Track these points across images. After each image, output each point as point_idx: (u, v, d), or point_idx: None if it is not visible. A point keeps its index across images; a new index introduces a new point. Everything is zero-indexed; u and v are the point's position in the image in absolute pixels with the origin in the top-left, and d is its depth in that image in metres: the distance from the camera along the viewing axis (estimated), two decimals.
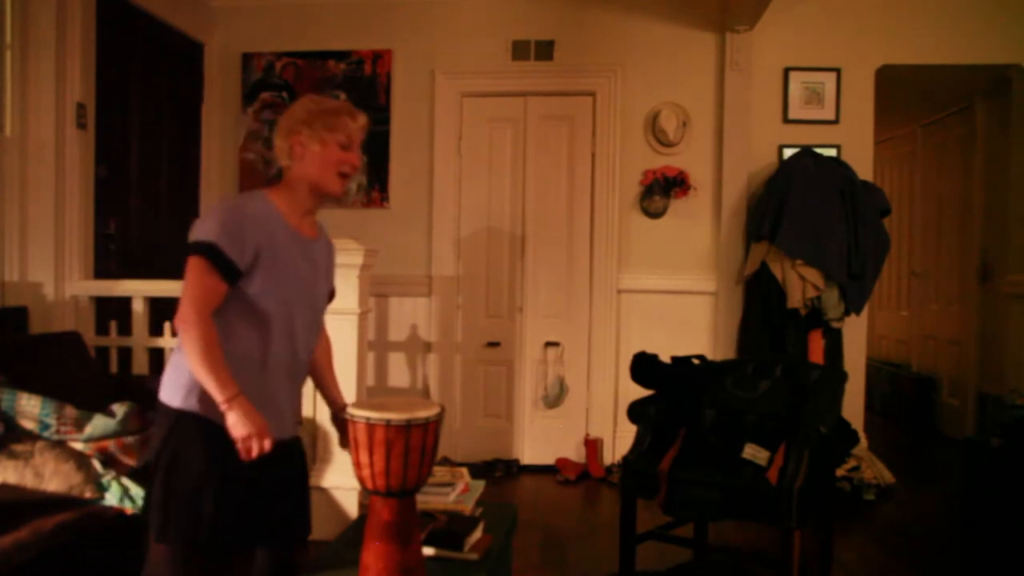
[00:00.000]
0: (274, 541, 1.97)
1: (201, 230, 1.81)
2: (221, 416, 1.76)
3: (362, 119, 1.96)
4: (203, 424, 1.81)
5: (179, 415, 1.84)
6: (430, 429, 1.83)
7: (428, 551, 2.05)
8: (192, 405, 1.83)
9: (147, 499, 1.88)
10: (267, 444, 1.77)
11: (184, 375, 1.83)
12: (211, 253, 1.78)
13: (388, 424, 1.77)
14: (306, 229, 1.97)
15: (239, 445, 1.76)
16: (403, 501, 1.83)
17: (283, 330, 1.89)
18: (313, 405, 3.61)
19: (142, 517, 1.93)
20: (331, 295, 2.17)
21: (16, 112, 3.54)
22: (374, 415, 1.79)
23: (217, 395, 1.75)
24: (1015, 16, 4.54)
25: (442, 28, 4.88)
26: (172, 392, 1.86)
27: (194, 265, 1.79)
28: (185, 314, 1.77)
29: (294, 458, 2.04)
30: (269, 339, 1.87)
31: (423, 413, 1.82)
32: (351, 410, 1.84)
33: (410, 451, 1.79)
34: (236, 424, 1.75)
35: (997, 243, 5.05)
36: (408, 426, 1.78)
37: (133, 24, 4.23)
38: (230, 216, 1.82)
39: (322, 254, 2.04)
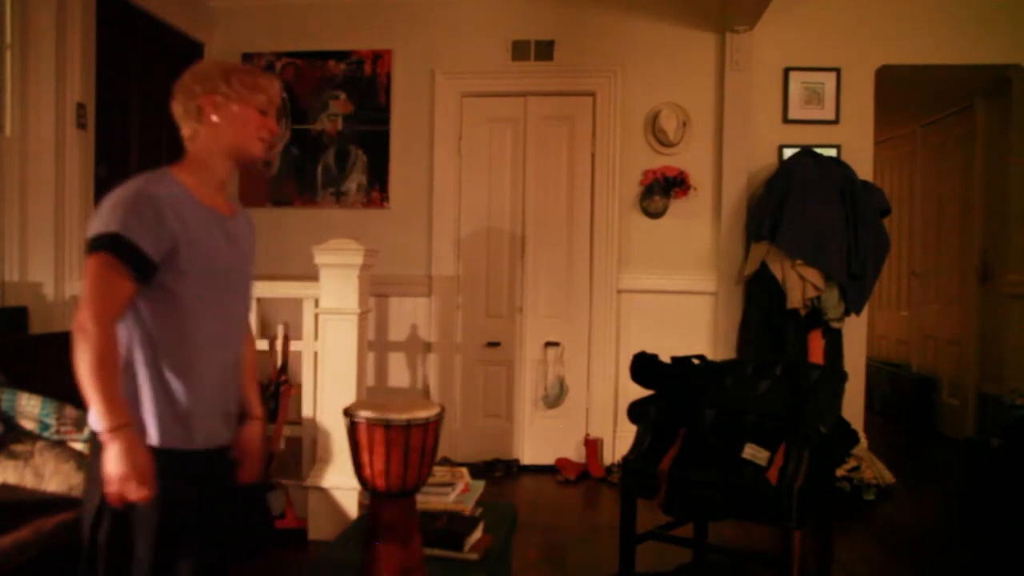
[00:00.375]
0: (232, 553, 1.79)
1: (100, 222, 1.53)
2: (171, 440, 1.58)
3: (278, 84, 1.78)
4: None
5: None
6: (430, 429, 1.83)
7: (427, 551, 2.05)
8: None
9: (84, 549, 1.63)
10: (144, 493, 1.51)
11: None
12: (116, 246, 1.51)
13: (388, 424, 1.77)
14: (222, 206, 1.75)
15: (111, 487, 1.50)
16: (403, 501, 1.83)
17: (214, 324, 1.67)
18: (313, 405, 3.61)
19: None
20: None
21: (16, 112, 3.54)
22: (374, 415, 1.79)
23: (102, 421, 1.50)
24: (1015, 16, 4.54)
25: (442, 28, 4.88)
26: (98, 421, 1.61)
27: (96, 263, 1.51)
28: (83, 321, 1.50)
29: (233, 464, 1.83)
30: (200, 337, 1.63)
31: (423, 413, 1.82)
32: (352, 410, 1.84)
33: (410, 451, 1.79)
34: (115, 460, 1.49)
35: (997, 243, 5.05)
36: (408, 426, 1.78)
37: (133, 24, 4.23)
38: (133, 200, 1.55)
39: (243, 232, 1.81)
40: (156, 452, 1.57)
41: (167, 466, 1.57)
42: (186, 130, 1.71)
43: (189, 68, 1.75)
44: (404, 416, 1.78)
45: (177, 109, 1.72)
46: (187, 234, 1.60)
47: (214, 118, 1.68)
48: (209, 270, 1.65)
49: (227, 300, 1.72)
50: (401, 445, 1.78)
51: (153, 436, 1.60)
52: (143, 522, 1.57)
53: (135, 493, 1.51)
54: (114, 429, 1.50)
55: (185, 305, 1.61)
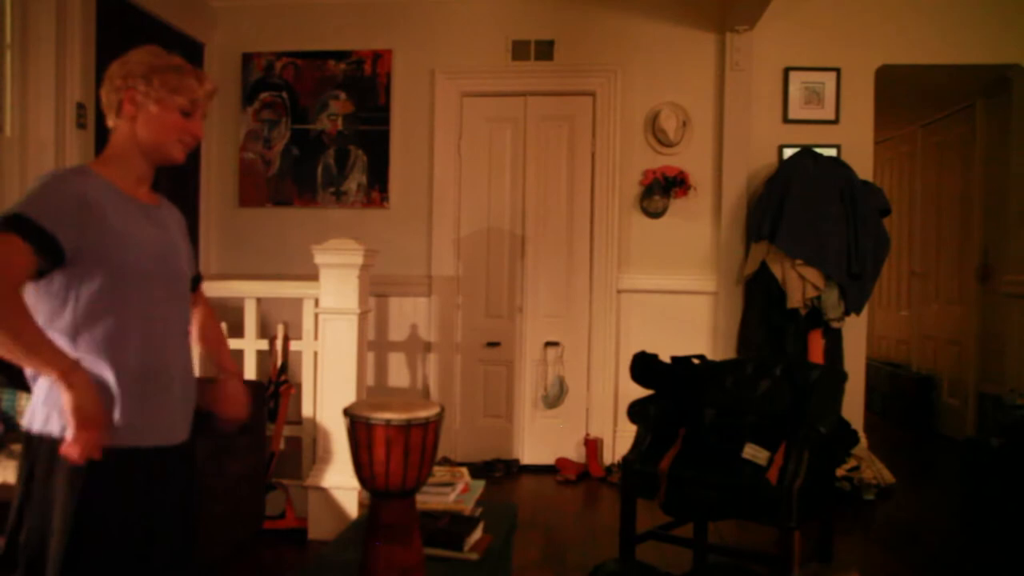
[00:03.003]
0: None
1: (12, 206, 1.49)
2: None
3: (209, 85, 1.68)
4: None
5: (35, 440, 1.53)
6: (430, 429, 1.83)
7: (428, 551, 2.05)
8: (46, 426, 1.51)
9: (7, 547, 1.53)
10: (97, 453, 1.43)
11: (39, 393, 1.54)
12: (21, 226, 1.43)
13: (388, 424, 1.77)
14: (144, 196, 1.69)
15: (71, 433, 1.41)
16: (403, 501, 1.83)
17: (150, 314, 1.59)
18: (313, 405, 3.61)
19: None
20: (196, 280, 1.88)
21: (16, 112, 3.54)
22: (374, 415, 1.79)
23: (51, 371, 1.42)
24: (1015, 16, 4.54)
25: (442, 28, 4.88)
26: (30, 416, 1.56)
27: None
28: None
29: (185, 468, 1.69)
30: (135, 330, 1.56)
31: (423, 413, 1.82)
32: (352, 410, 1.84)
33: (410, 451, 1.79)
34: (78, 404, 1.41)
35: (997, 243, 5.05)
36: (408, 426, 1.78)
37: (133, 24, 4.23)
38: (49, 187, 1.51)
39: (172, 220, 1.76)
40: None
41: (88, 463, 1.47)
42: (109, 121, 1.66)
43: (119, 57, 1.65)
44: (404, 416, 1.78)
45: (102, 98, 1.66)
46: (107, 221, 1.53)
47: (131, 115, 1.62)
48: (139, 258, 1.57)
49: (160, 286, 1.63)
50: (401, 445, 1.78)
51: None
52: (61, 514, 1.48)
53: (91, 447, 1.42)
54: (67, 371, 1.42)
55: (118, 293, 1.54)
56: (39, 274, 1.49)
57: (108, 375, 1.53)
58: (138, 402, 1.56)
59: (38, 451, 1.52)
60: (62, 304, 1.52)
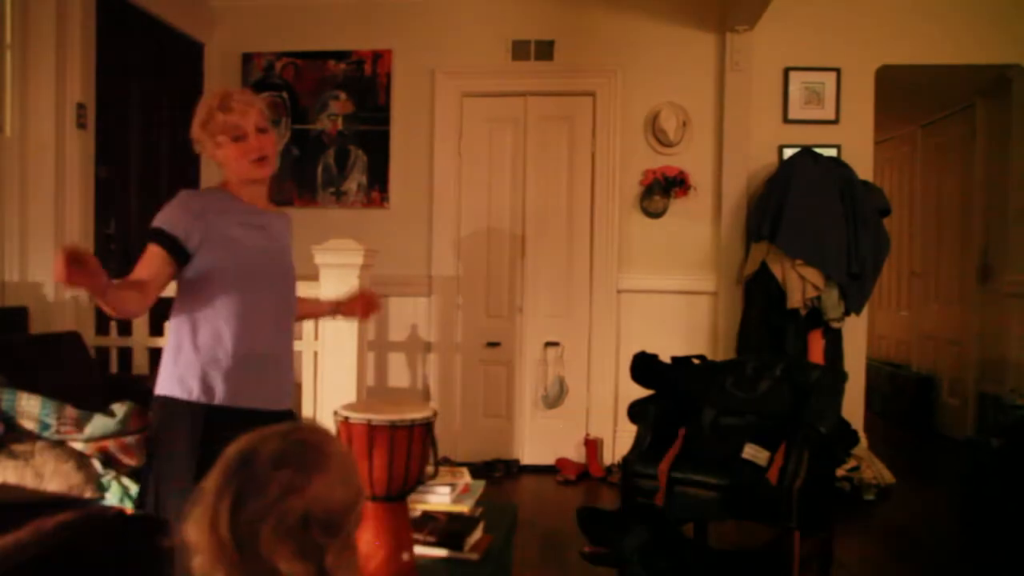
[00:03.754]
0: None
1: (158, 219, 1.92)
2: (203, 396, 1.87)
3: (257, 104, 1.99)
4: (182, 406, 1.88)
5: (161, 401, 1.92)
6: (416, 432, 1.77)
7: (427, 551, 2.05)
8: (171, 390, 1.90)
9: (142, 489, 1.95)
10: (59, 263, 1.54)
11: (167, 366, 1.93)
12: (159, 238, 1.88)
13: (370, 424, 1.73)
14: (263, 205, 2.07)
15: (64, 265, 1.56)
16: (391, 505, 1.79)
17: (253, 304, 1.95)
18: (313, 405, 3.61)
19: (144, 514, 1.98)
20: None
21: (16, 112, 3.55)
22: (355, 415, 1.75)
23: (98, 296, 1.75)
24: (1015, 16, 4.54)
25: (442, 28, 4.88)
26: (159, 383, 1.95)
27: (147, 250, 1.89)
28: None
29: None
30: (236, 316, 1.92)
31: (409, 415, 1.76)
32: (339, 410, 1.82)
33: (395, 454, 1.73)
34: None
35: (997, 243, 5.05)
36: (392, 428, 1.73)
37: (133, 24, 4.23)
38: (181, 201, 1.94)
39: (281, 225, 2.12)
40: (189, 404, 1.88)
41: (194, 415, 1.86)
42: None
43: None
44: (387, 417, 1.73)
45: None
46: (218, 228, 1.91)
47: (214, 158, 1.98)
48: (242, 257, 1.93)
49: (266, 282, 1.99)
50: (385, 447, 1.72)
51: (193, 389, 1.89)
52: (181, 460, 1.84)
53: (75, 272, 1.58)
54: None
55: (218, 280, 1.91)
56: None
57: (219, 350, 1.89)
58: (242, 373, 1.91)
59: (159, 408, 1.92)
60: (189, 291, 1.93)
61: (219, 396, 1.90)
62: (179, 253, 1.88)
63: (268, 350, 1.99)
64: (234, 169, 1.97)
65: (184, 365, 1.90)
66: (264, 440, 1.02)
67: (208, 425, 1.84)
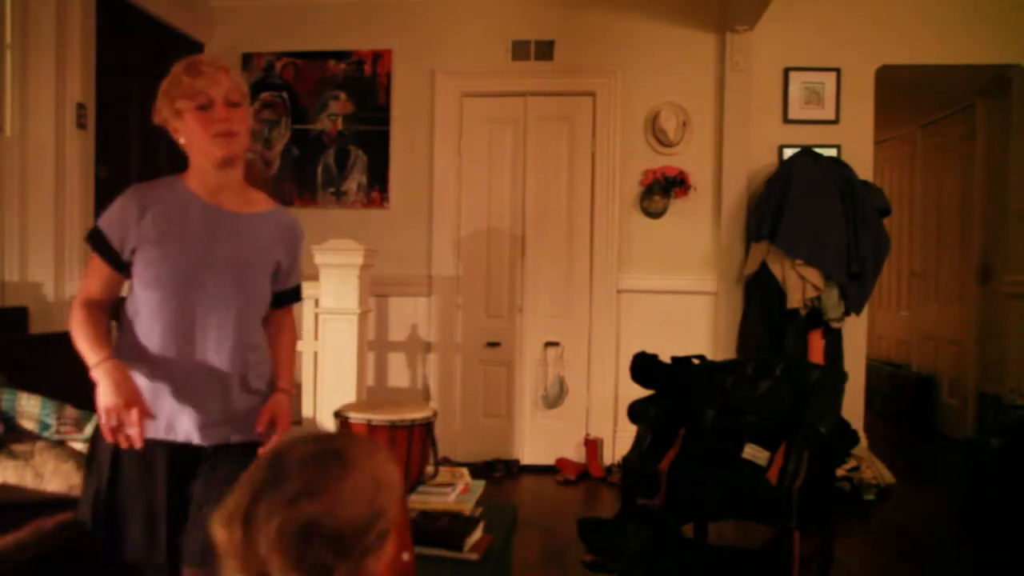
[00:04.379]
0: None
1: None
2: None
3: (221, 77, 1.66)
4: None
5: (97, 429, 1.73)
6: (416, 432, 1.78)
7: (428, 551, 2.05)
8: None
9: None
10: (134, 416, 1.54)
11: None
12: (93, 240, 1.70)
13: (369, 424, 1.73)
14: (228, 204, 1.74)
15: (102, 421, 1.57)
16: None
17: (179, 317, 1.68)
18: (313, 405, 3.61)
19: None
20: (283, 296, 1.87)
21: (16, 112, 3.54)
22: (354, 414, 1.75)
23: (88, 361, 1.62)
24: (1015, 16, 4.54)
25: (442, 28, 4.88)
26: None
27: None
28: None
29: (215, 470, 1.71)
30: (157, 331, 1.68)
31: (408, 415, 1.77)
32: (339, 410, 1.82)
33: (395, 455, 1.75)
34: (103, 391, 1.58)
35: (997, 243, 5.05)
36: (392, 428, 1.74)
37: (133, 24, 4.23)
38: (125, 199, 1.72)
39: (265, 229, 1.79)
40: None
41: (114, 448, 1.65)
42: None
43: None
44: (387, 417, 1.74)
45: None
46: (163, 230, 1.68)
47: (176, 131, 1.70)
48: (176, 263, 1.68)
49: (201, 294, 1.70)
50: (385, 447, 1.73)
51: None
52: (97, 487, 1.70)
53: (130, 417, 1.55)
54: (97, 363, 1.60)
55: (152, 291, 1.69)
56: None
57: (135, 369, 1.66)
58: (151, 397, 1.67)
59: (95, 435, 1.73)
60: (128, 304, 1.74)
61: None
62: (117, 264, 1.69)
63: (181, 374, 1.69)
64: (195, 146, 1.67)
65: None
66: (305, 441, 0.99)
67: (116, 449, 1.66)
